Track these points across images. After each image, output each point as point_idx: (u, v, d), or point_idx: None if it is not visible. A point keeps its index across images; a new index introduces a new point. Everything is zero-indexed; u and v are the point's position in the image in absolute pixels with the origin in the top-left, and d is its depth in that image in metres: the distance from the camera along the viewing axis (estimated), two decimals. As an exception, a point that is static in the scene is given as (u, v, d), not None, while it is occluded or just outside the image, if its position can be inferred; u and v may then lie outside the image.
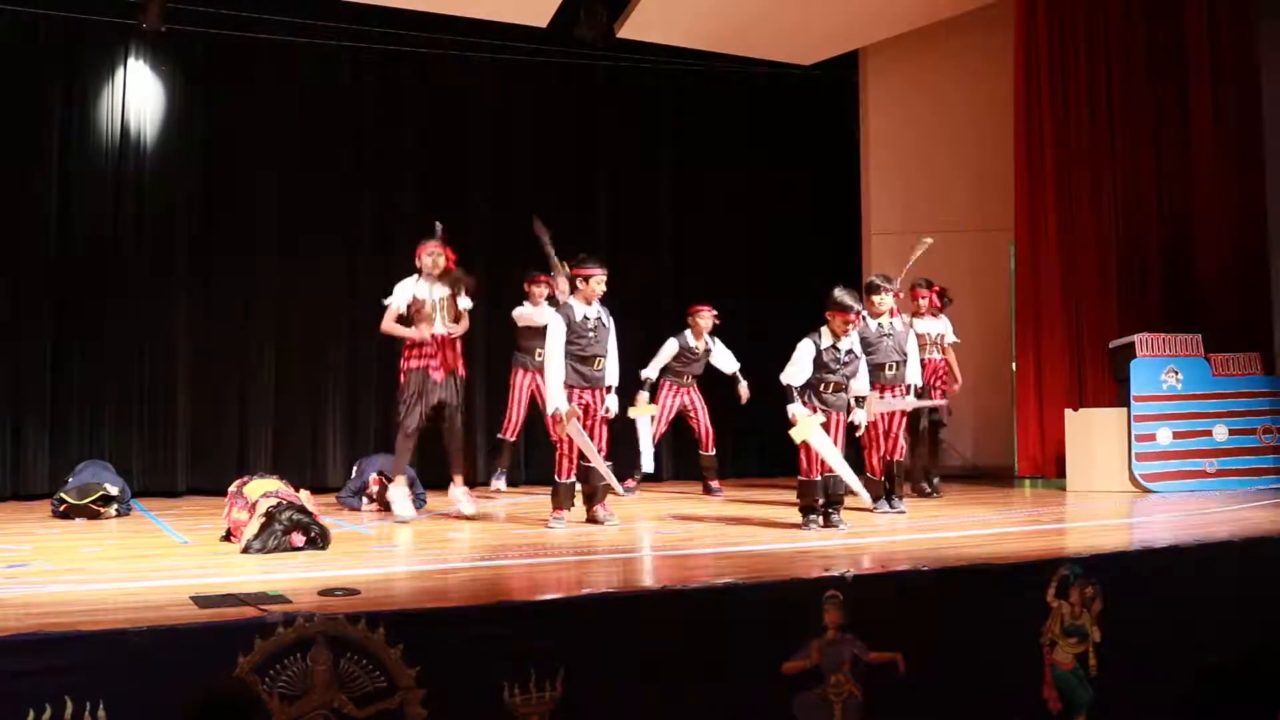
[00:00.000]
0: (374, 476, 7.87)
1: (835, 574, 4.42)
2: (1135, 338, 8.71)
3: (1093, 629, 4.83)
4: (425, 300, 7.12)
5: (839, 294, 6.33)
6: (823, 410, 6.34)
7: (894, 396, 7.41)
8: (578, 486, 6.75)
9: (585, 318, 6.61)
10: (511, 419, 8.95)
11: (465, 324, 7.35)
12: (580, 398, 6.59)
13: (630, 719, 3.99)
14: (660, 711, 4.05)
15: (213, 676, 3.32)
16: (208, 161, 9.49)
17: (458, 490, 7.20)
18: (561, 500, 6.62)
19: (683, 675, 4.09)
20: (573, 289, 6.82)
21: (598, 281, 6.65)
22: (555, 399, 6.52)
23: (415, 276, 7.26)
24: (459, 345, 7.28)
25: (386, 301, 7.24)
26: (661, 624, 4.12)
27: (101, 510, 7.43)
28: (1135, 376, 8.60)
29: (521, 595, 4.40)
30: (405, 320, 7.19)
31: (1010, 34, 9.95)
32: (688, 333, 8.93)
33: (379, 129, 10.03)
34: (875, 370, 7.24)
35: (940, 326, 8.78)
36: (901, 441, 7.50)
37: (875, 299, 7.33)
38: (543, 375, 7.07)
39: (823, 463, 6.31)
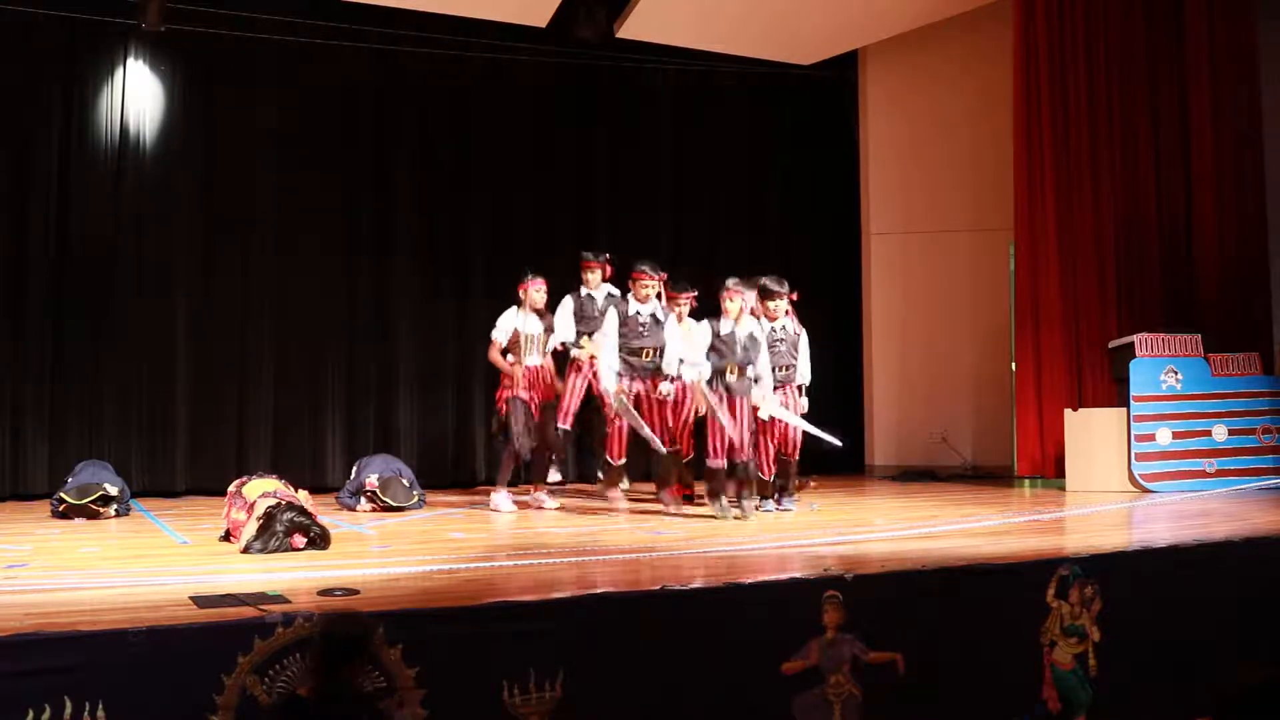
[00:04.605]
0: (371, 479, 7.87)
1: (835, 574, 4.42)
2: (1135, 338, 8.71)
3: (1092, 629, 4.84)
4: (523, 334, 7.73)
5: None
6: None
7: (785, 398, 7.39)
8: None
9: (638, 313, 7.26)
10: (565, 408, 8.09)
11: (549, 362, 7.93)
12: (632, 383, 7.21)
13: (630, 719, 3.99)
14: (660, 711, 4.05)
15: (334, 615, 3.53)
16: (207, 162, 9.48)
17: (540, 494, 7.89)
18: (613, 478, 7.27)
19: (683, 675, 4.09)
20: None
21: (642, 286, 7.33)
22: (607, 381, 7.17)
23: (515, 309, 7.81)
24: (550, 375, 7.86)
25: (494, 335, 7.80)
26: (661, 624, 4.12)
27: (101, 510, 7.43)
28: (1135, 376, 8.60)
29: (521, 595, 4.40)
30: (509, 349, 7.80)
31: (1009, 34, 9.94)
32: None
33: (378, 129, 10.03)
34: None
35: None
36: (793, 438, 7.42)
37: (770, 304, 7.33)
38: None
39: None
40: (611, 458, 7.24)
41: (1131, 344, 8.69)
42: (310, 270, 9.68)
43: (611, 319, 7.27)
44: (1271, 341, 9.17)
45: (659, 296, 7.54)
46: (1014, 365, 10.07)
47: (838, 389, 10.31)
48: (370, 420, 9.83)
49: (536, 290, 7.79)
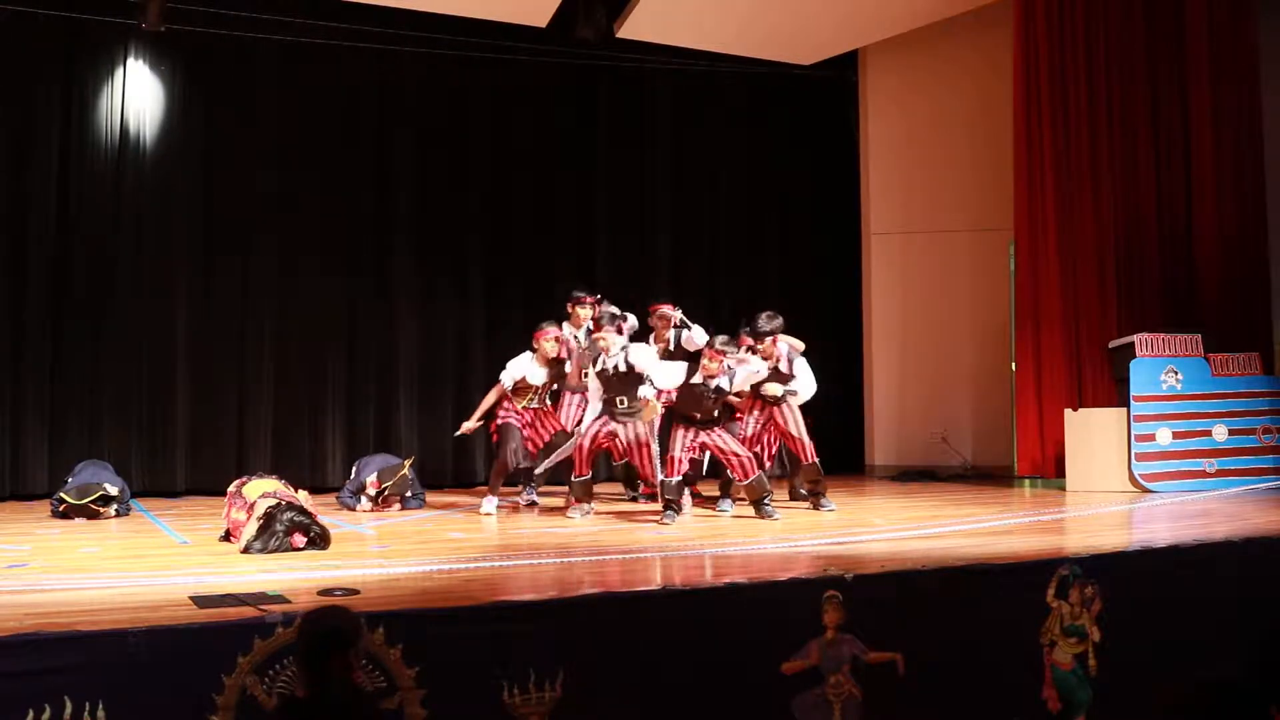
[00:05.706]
0: (371, 479, 7.89)
1: (835, 574, 4.43)
2: (1135, 338, 8.71)
3: (1092, 629, 4.84)
4: (529, 383, 7.78)
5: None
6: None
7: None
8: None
9: (605, 368, 7.32)
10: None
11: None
12: (608, 426, 7.31)
13: (630, 719, 3.99)
14: (660, 712, 4.05)
15: (315, 610, 3.46)
16: (207, 161, 9.49)
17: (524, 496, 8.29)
18: (578, 494, 7.39)
19: (683, 675, 4.09)
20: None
21: (599, 339, 7.31)
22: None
23: (528, 355, 7.83)
24: (545, 417, 7.91)
25: (501, 377, 7.84)
26: (661, 624, 4.12)
27: (101, 510, 7.44)
28: (1135, 376, 8.60)
29: (521, 595, 4.40)
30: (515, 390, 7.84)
31: (1010, 34, 9.94)
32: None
33: (378, 129, 10.03)
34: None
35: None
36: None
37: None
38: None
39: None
40: (577, 474, 7.37)
41: (1131, 344, 8.69)
42: (310, 270, 9.68)
43: (594, 385, 7.38)
44: (1271, 341, 9.17)
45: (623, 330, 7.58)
46: (1014, 365, 10.08)
47: (838, 389, 10.30)
48: (370, 420, 9.84)
49: (548, 341, 7.78)
